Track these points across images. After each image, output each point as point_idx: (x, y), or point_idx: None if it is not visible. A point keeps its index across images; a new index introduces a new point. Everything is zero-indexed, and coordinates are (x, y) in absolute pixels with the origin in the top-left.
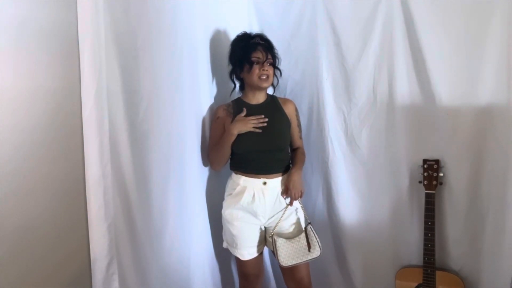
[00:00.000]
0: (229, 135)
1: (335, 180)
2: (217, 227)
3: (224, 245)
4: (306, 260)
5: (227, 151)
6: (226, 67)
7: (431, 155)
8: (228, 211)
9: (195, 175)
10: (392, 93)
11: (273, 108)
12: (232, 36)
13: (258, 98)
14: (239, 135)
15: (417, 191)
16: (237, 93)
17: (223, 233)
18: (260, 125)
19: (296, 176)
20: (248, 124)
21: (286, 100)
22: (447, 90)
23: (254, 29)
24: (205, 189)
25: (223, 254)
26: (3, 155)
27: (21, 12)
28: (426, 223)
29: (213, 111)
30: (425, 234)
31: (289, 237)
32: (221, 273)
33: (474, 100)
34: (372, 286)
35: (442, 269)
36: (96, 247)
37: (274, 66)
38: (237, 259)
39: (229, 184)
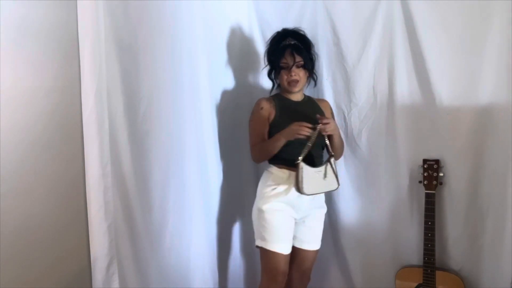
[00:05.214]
0: (281, 141)
1: None
2: (217, 227)
3: (259, 243)
4: (325, 191)
5: (275, 151)
6: (226, 67)
7: (431, 155)
8: (270, 204)
9: (195, 175)
10: (392, 93)
11: (313, 105)
12: (232, 35)
13: (297, 96)
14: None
15: (417, 191)
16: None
17: (256, 231)
18: (307, 133)
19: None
20: (300, 131)
21: (322, 100)
22: (447, 90)
23: (254, 29)
24: (205, 189)
25: (223, 254)
26: (3, 155)
27: (21, 12)
28: (426, 223)
29: (256, 102)
30: (425, 234)
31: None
32: (221, 273)
33: (474, 100)
34: (372, 286)
35: (442, 269)
36: (96, 247)
37: (307, 67)
38: (269, 257)
39: (269, 177)
